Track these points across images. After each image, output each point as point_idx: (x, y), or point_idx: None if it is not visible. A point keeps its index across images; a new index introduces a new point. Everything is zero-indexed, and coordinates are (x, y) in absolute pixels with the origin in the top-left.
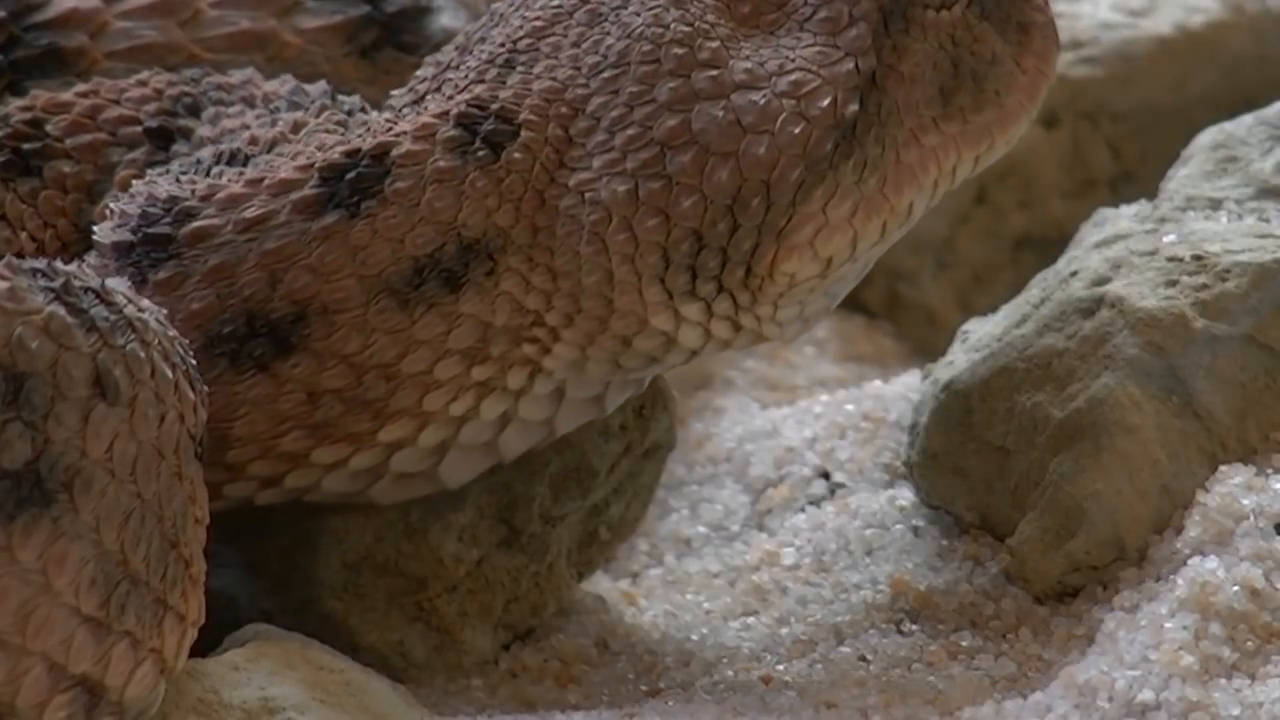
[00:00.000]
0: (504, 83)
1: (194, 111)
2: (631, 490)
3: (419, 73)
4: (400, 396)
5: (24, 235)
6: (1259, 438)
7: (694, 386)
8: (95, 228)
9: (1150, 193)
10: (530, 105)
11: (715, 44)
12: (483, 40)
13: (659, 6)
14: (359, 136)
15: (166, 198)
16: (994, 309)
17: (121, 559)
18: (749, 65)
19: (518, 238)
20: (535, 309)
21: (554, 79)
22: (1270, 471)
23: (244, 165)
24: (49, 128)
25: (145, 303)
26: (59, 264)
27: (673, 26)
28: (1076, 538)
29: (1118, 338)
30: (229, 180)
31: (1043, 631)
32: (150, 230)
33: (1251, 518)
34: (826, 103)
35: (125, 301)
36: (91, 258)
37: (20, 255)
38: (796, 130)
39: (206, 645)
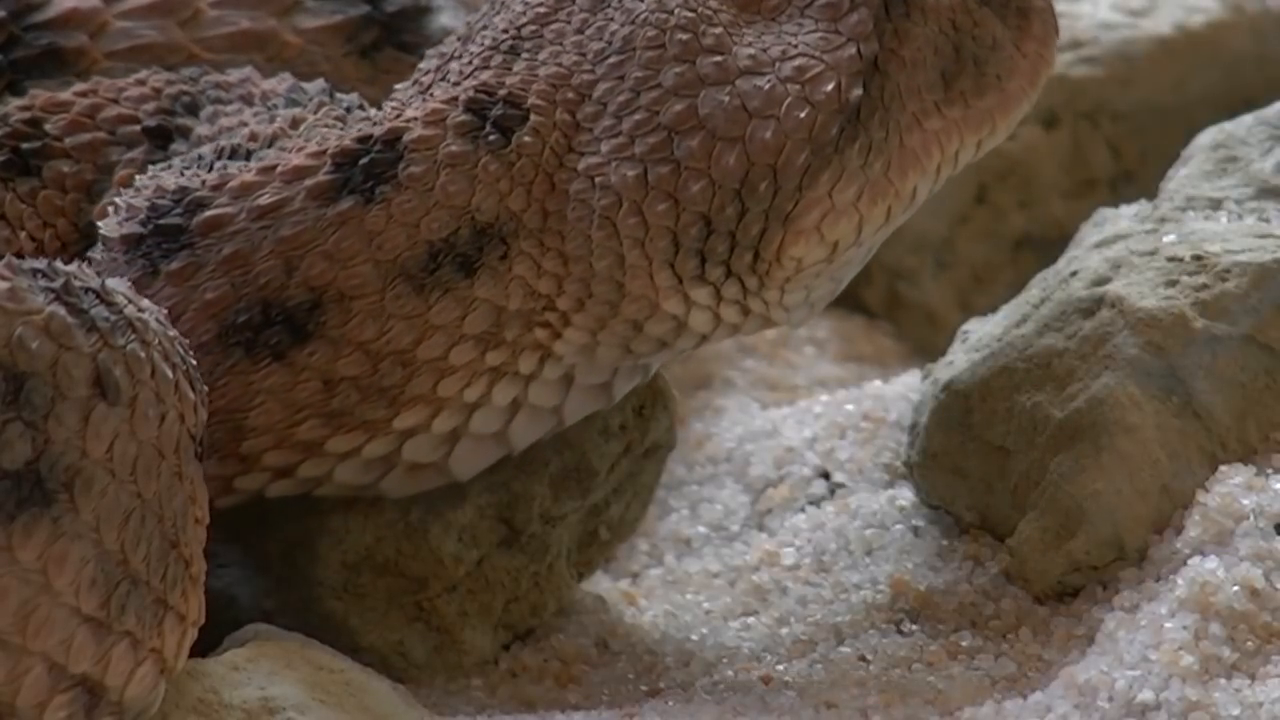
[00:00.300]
0: (510, 69)
1: (192, 110)
2: (631, 490)
3: (421, 65)
4: (416, 383)
5: (23, 235)
6: (1259, 438)
7: (694, 386)
8: (100, 223)
9: (1150, 193)
10: (537, 90)
11: (719, 30)
12: (485, 28)
13: None
14: (370, 124)
15: (176, 189)
16: (994, 309)
17: (122, 559)
18: (752, 51)
19: (529, 222)
20: (547, 293)
21: (560, 65)
22: (1270, 471)
23: (246, 160)
24: (48, 127)
25: (145, 303)
26: (59, 264)
27: (677, 12)
28: (1076, 538)
29: (1118, 338)
30: (239, 170)
31: (1043, 631)
32: (161, 221)
33: (1251, 518)
34: (830, 87)
35: (125, 302)
36: (97, 252)
37: (20, 255)
38: (802, 115)
39: (206, 645)
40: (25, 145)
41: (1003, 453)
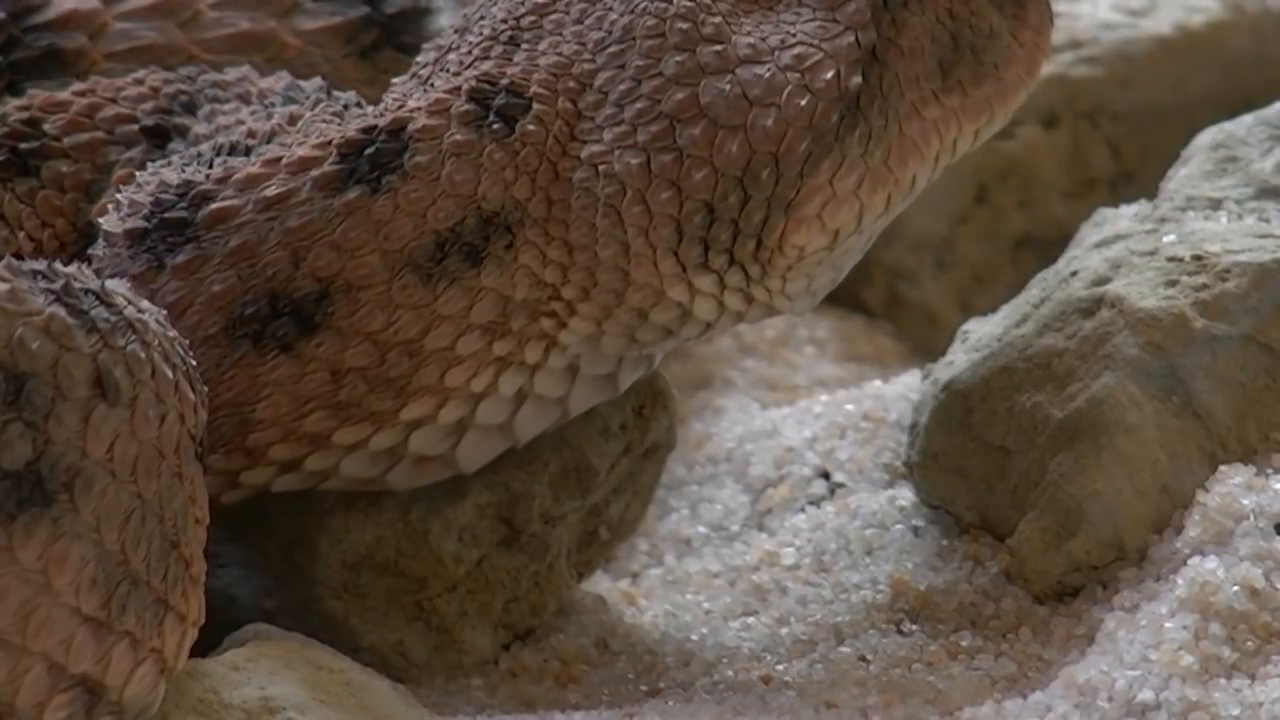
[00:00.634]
0: (510, 59)
1: (190, 109)
2: (631, 490)
3: (419, 59)
4: (423, 373)
5: (22, 235)
6: (1259, 438)
7: (694, 386)
8: (101, 220)
9: (1150, 193)
10: (539, 80)
11: (718, 19)
12: (483, 19)
13: None
14: (372, 115)
15: (180, 183)
16: (994, 309)
17: (122, 559)
18: (751, 40)
19: (534, 211)
20: (552, 282)
21: (560, 54)
22: (1270, 471)
23: (245, 156)
24: (46, 127)
25: (145, 304)
26: (59, 265)
27: (676, 1)
28: (1076, 538)
29: (1118, 338)
30: (243, 163)
31: (1043, 631)
32: (166, 215)
33: (1251, 518)
34: (830, 75)
35: (125, 303)
36: (98, 249)
37: (19, 256)
38: (803, 103)
39: (206, 645)
40: (24, 145)
41: (1003, 453)
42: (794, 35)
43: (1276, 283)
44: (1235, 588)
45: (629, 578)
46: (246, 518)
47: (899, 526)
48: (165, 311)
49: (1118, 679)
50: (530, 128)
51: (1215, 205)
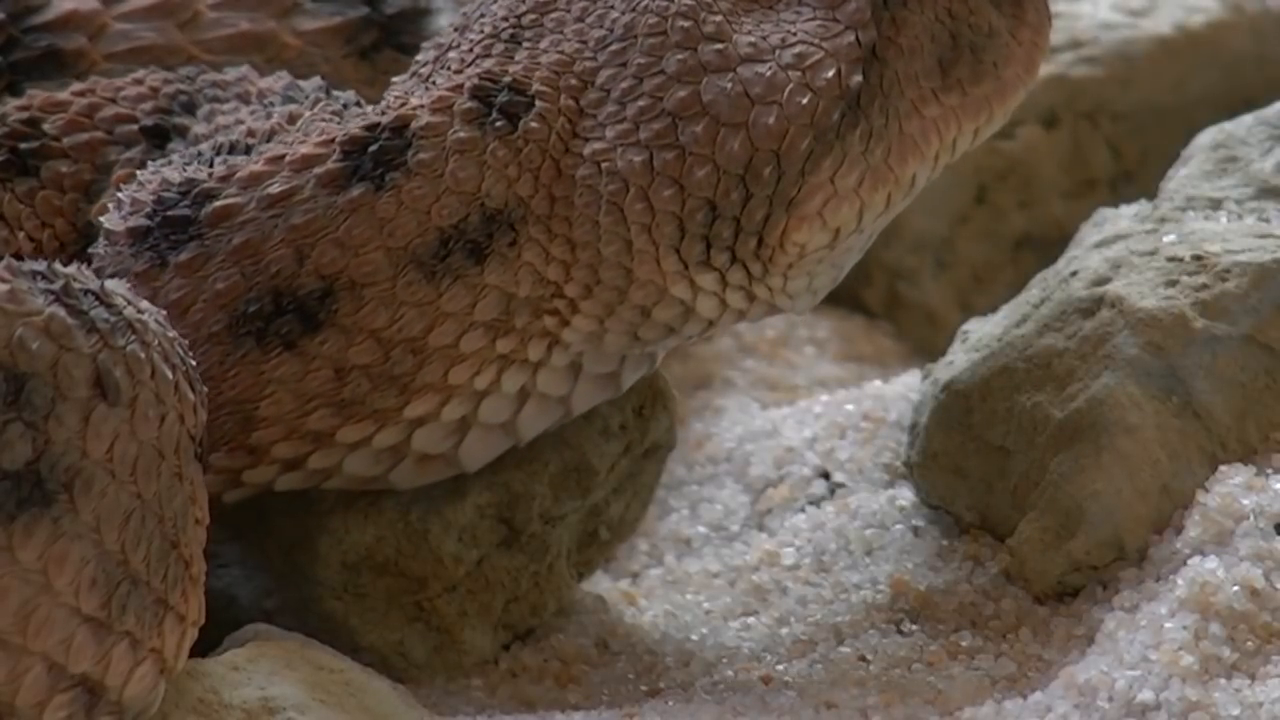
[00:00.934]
0: (512, 57)
1: (190, 109)
2: (631, 490)
3: (419, 57)
4: (427, 371)
5: (21, 235)
6: (1259, 438)
7: (694, 386)
8: (102, 218)
9: (1150, 193)
10: (541, 77)
11: (719, 18)
12: (483, 17)
13: None
14: (376, 112)
15: (182, 181)
16: (994, 309)
17: (122, 559)
18: (752, 39)
19: (537, 208)
20: (555, 280)
21: (562, 52)
22: (1270, 471)
23: (246, 155)
24: (46, 127)
25: (145, 304)
26: (59, 266)
27: (677, 0)
28: (1076, 538)
29: (1118, 338)
30: (245, 161)
31: (1043, 631)
32: (169, 214)
33: (1251, 518)
34: (831, 74)
35: (125, 303)
36: (100, 247)
37: (18, 256)
38: (804, 101)
39: (206, 645)
40: (23, 145)
41: (1003, 453)
42: (795, 34)
43: (1276, 283)
44: (1235, 588)
45: (629, 578)
46: (247, 517)
47: (899, 526)
48: (167, 310)
49: (1118, 679)
50: (533, 125)
51: (1215, 205)
